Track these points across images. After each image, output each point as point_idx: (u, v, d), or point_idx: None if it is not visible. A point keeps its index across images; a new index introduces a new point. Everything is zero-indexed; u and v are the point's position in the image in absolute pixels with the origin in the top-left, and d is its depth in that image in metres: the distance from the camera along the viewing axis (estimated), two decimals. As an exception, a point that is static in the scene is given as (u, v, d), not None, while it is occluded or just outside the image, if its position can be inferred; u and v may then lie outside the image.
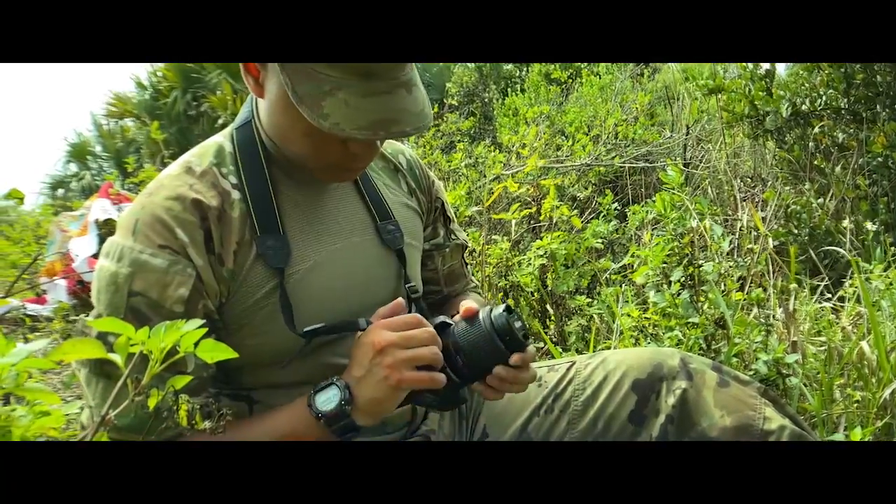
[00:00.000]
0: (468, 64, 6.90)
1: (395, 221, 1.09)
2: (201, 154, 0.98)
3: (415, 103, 0.87)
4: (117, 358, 0.51)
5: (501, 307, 0.91)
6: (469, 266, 1.32)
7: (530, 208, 2.76)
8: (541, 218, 2.66)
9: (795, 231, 2.57)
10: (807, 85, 3.03)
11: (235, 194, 0.94)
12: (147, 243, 0.87)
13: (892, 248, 2.33)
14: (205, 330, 0.55)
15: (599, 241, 2.34)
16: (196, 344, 0.52)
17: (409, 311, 1.09)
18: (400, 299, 0.91)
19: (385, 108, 0.84)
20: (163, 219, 0.88)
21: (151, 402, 0.57)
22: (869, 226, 2.34)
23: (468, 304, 0.93)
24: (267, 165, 0.97)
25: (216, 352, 0.53)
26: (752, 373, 1.48)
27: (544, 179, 2.80)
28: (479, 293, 1.34)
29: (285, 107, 0.87)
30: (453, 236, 1.25)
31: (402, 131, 0.85)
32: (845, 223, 2.36)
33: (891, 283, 1.88)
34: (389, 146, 1.18)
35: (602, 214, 2.66)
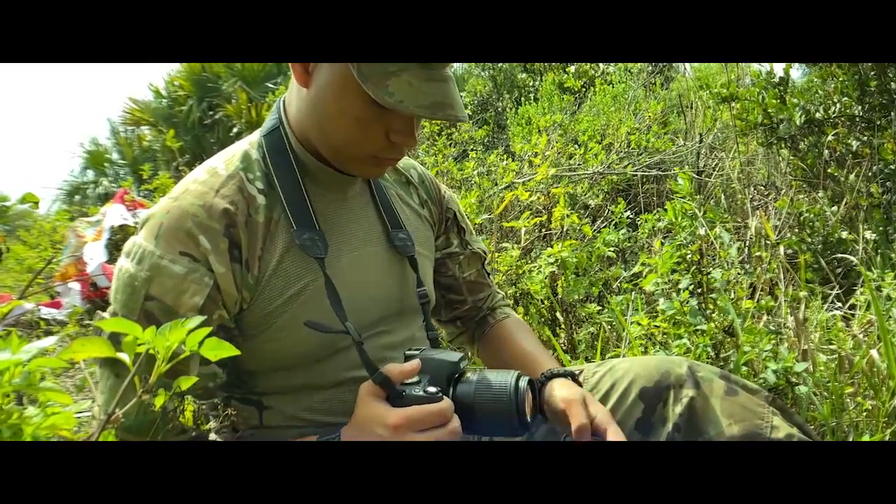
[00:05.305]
0: (482, 74, 6.92)
1: (406, 231, 1.11)
2: (228, 159, 1.00)
3: (458, 96, 0.94)
4: (125, 357, 0.52)
5: (525, 381, 0.91)
6: (491, 276, 1.34)
7: (541, 216, 2.76)
8: (551, 226, 2.66)
9: (809, 239, 2.55)
10: (820, 92, 3.01)
11: (261, 199, 0.96)
12: (168, 249, 0.88)
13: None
14: (209, 329, 0.56)
15: (611, 249, 2.33)
16: (200, 343, 0.52)
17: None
18: (417, 362, 0.89)
19: (441, 94, 0.90)
20: (187, 226, 0.89)
21: (158, 402, 0.58)
22: (868, 234, 2.31)
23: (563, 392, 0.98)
24: (296, 168, 1.00)
25: (220, 350, 0.54)
26: (760, 381, 1.47)
27: (556, 188, 2.80)
28: (508, 305, 1.34)
29: (341, 90, 0.91)
30: (469, 245, 1.27)
31: (455, 115, 0.91)
32: (863, 232, 2.34)
33: (903, 292, 1.86)
34: (402, 161, 1.21)
35: (614, 223, 2.66)
